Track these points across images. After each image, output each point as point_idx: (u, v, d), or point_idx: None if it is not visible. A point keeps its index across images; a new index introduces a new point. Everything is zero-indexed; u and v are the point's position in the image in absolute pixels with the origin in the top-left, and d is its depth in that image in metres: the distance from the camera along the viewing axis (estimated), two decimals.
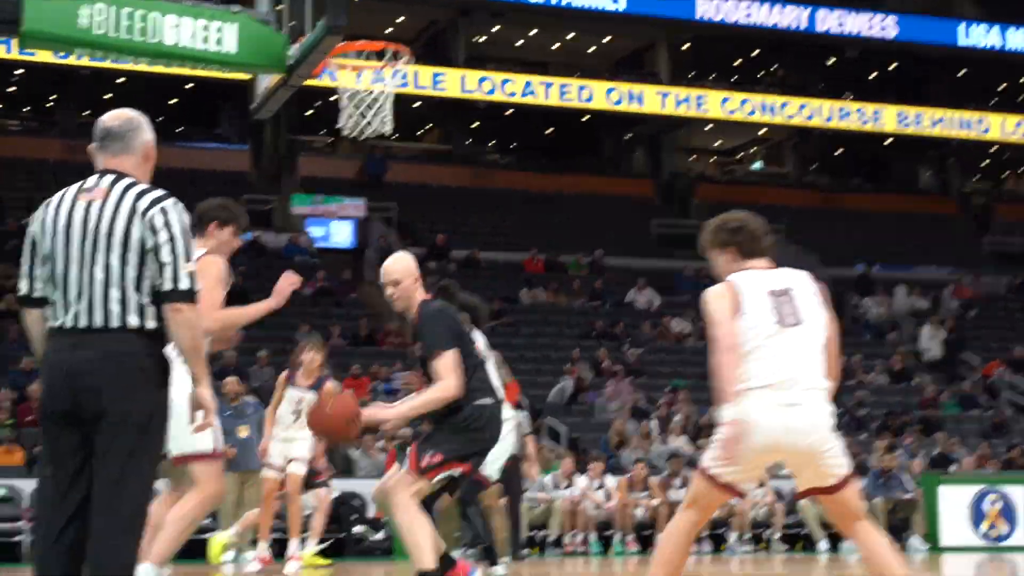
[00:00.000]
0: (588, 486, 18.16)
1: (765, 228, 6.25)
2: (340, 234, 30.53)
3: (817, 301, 5.94)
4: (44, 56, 25.68)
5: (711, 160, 41.90)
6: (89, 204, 4.90)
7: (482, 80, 32.37)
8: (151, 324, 4.86)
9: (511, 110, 35.08)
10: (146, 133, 5.13)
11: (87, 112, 34.10)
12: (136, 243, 4.85)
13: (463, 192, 34.08)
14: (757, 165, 42.21)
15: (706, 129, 38.50)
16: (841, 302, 30.31)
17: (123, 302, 4.85)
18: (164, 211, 4.90)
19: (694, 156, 41.40)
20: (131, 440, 4.78)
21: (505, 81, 32.57)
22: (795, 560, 16.86)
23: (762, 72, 39.26)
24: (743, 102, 34.03)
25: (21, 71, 33.24)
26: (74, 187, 5.02)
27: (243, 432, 14.77)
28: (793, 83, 38.25)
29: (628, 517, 18.19)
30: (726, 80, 37.84)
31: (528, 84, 32.66)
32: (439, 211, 32.22)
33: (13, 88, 35.06)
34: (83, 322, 4.83)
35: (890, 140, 37.03)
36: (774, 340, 5.77)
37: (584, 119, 35.95)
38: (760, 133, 39.23)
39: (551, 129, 38.11)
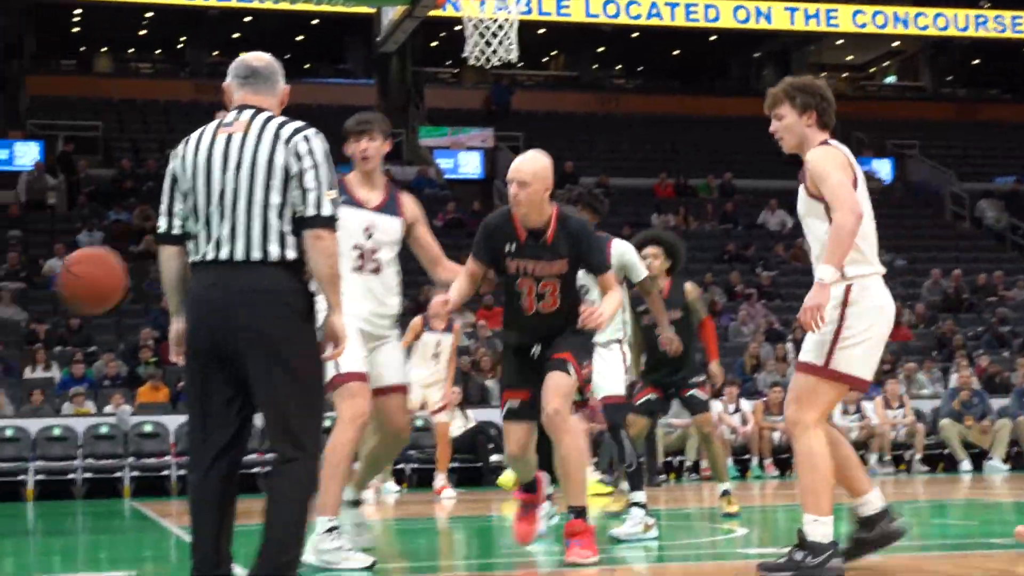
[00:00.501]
0: (723, 410, 18.18)
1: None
2: (468, 165, 30.70)
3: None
4: None
5: (843, 76, 41.22)
6: (230, 137, 4.90)
7: (607, 3, 32.18)
8: (292, 254, 4.81)
9: (636, 33, 34.85)
10: (283, 80, 5.15)
11: (216, 52, 34.68)
12: (280, 170, 4.83)
13: (590, 118, 34.01)
14: (890, 79, 41.48)
15: (837, 44, 37.90)
16: (979, 217, 29.82)
17: (265, 232, 4.81)
18: (307, 139, 4.89)
19: (824, 73, 40.77)
20: (285, 374, 4.76)
21: (630, 3, 32.31)
22: (937, 481, 16.76)
23: None
24: (875, 14, 33.40)
25: (151, 14, 33.83)
26: (213, 123, 5.01)
27: None
28: None
29: (765, 441, 18.22)
30: None
31: (654, 5, 32.38)
32: (566, 138, 32.18)
33: (144, 32, 35.76)
34: (225, 253, 4.81)
35: None
36: (870, 224, 5.75)
37: (711, 39, 35.63)
38: (893, 46, 38.52)
39: (678, 51, 37.81)
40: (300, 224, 4.82)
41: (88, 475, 17.04)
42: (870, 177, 31.95)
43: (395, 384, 6.94)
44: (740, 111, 34.25)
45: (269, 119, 4.94)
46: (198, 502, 4.89)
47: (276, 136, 4.88)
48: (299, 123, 4.96)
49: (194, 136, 5.03)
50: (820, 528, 5.54)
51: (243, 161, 4.86)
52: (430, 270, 7.27)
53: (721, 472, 10.12)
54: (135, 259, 23.42)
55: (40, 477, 16.91)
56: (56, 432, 17.14)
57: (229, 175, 4.86)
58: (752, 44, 36.64)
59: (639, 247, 9.04)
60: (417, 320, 12.96)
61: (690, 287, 9.99)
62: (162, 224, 5.05)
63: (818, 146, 5.81)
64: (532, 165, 6.61)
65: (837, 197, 5.55)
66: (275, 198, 4.82)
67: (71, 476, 17.00)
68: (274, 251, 4.80)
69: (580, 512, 6.63)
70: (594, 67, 37.67)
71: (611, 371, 8.28)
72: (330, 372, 6.52)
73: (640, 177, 29.73)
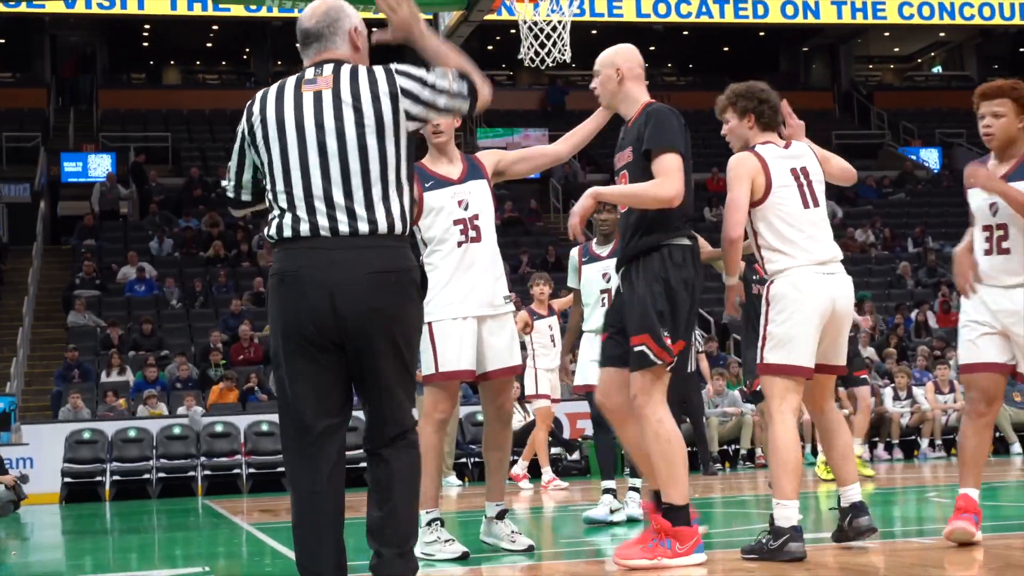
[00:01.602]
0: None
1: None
2: None
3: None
4: (237, 11, 26.80)
5: (890, 67, 41.39)
6: (319, 94, 4.43)
7: (657, 2, 32.62)
8: (400, 227, 4.39)
9: (687, 31, 35.27)
10: (348, 19, 4.63)
11: (279, 62, 35.51)
12: (390, 118, 4.40)
13: None
14: (937, 69, 41.55)
15: (884, 36, 38.10)
16: None
17: (385, 198, 4.38)
18: (399, 71, 4.45)
19: (872, 64, 40.98)
20: (404, 359, 4.42)
21: (680, 2, 32.74)
22: (988, 464, 17.02)
23: None
24: (921, 6, 33.59)
25: (217, 27, 34.65)
26: (291, 80, 4.56)
27: None
28: None
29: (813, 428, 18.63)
30: None
31: (703, 3, 32.79)
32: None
33: (210, 44, 36.59)
34: (344, 227, 4.34)
35: None
36: (789, 223, 6.24)
37: (760, 34, 35.95)
38: (939, 36, 38.65)
39: (727, 47, 38.15)
40: (445, 100, 4.45)
41: (162, 475, 17.65)
42: (919, 166, 32.36)
43: (507, 367, 6.82)
44: (791, 104, 34.41)
45: (355, 69, 4.48)
46: (313, 501, 4.46)
47: (372, 81, 4.43)
48: (380, 66, 4.50)
49: (271, 94, 4.53)
50: (782, 511, 5.91)
51: (344, 118, 4.37)
52: (551, 156, 7.17)
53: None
54: (204, 264, 24.34)
55: (117, 478, 17.54)
56: (132, 434, 17.75)
57: (330, 136, 4.36)
58: (800, 39, 36.92)
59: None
60: (523, 313, 13.32)
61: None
62: (230, 189, 4.64)
63: (742, 151, 6.27)
64: (602, 54, 6.24)
65: (726, 211, 6.19)
66: (390, 157, 4.39)
67: (146, 476, 17.64)
68: (394, 223, 4.37)
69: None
70: (646, 65, 38.07)
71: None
72: (429, 367, 6.63)
73: (693, 172, 30.06)
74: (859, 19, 33.42)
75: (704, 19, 32.96)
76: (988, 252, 6.15)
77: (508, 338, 6.87)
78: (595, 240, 8.86)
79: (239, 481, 17.74)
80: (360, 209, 4.34)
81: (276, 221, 4.42)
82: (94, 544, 10.91)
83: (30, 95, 31.87)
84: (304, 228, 4.35)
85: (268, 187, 4.49)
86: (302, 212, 4.36)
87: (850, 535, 6.31)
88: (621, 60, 6.18)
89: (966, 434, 6.21)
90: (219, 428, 18.01)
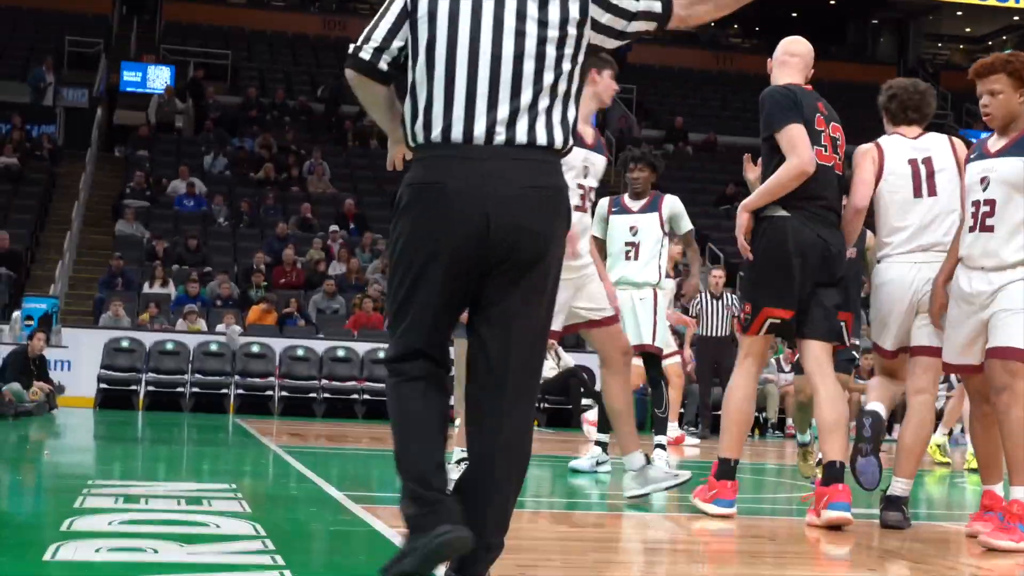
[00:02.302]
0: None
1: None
2: None
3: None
4: None
5: (959, 47, 40.94)
6: None
7: None
8: (560, 142, 3.80)
9: None
10: None
11: None
12: (575, 26, 3.82)
13: (705, 75, 34.31)
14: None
15: (956, 15, 37.68)
16: None
17: (549, 110, 3.80)
18: None
19: (941, 44, 40.57)
20: (544, 300, 3.84)
21: None
22: None
23: None
24: None
25: None
26: None
27: None
28: None
29: (853, 404, 18.60)
30: None
31: None
32: (679, 94, 32.56)
33: None
34: (502, 133, 3.74)
35: None
36: None
37: (831, 3, 35.63)
38: (1013, 20, 38.18)
39: (796, 12, 37.84)
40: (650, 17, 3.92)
41: (196, 390, 17.91)
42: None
43: (608, 315, 7.13)
44: (856, 76, 34.28)
45: None
46: (422, 412, 3.85)
47: None
48: None
49: None
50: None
51: (528, 15, 3.78)
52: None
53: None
54: (255, 185, 24.46)
55: (151, 388, 17.82)
56: (169, 347, 18.00)
57: (508, 36, 3.77)
58: (871, 10, 36.57)
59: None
60: None
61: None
62: (368, 50, 3.90)
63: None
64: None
65: (853, 185, 6.60)
66: (566, 67, 3.81)
67: (180, 389, 17.91)
68: (554, 137, 3.79)
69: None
70: (711, 24, 37.84)
71: (644, 318, 8.90)
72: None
73: (750, 136, 30.00)
74: None
75: None
76: (972, 229, 5.86)
77: (598, 290, 7.14)
78: (627, 194, 9.09)
79: (271, 403, 17.95)
80: (522, 118, 3.75)
81: (420, 119, 3.80)
82: (124, 451, 11.13)
83: (95, 1, 31.95)
84: (456, 132, 3.74)
85: (417, 76, 3.82)
86: (458, 112, 3.75)
87: (881, 524, 6.37)
88: (778, 50, 6.66)
89: (975, 432, 6.16)
90: (255, 349, 18.21)
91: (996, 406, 5.70)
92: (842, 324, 6.36)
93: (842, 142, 6.51)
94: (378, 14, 3.97)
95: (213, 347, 18.13)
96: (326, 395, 18.09)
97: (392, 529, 5.19)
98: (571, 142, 3.83)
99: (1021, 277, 5.73)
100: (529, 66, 3.75)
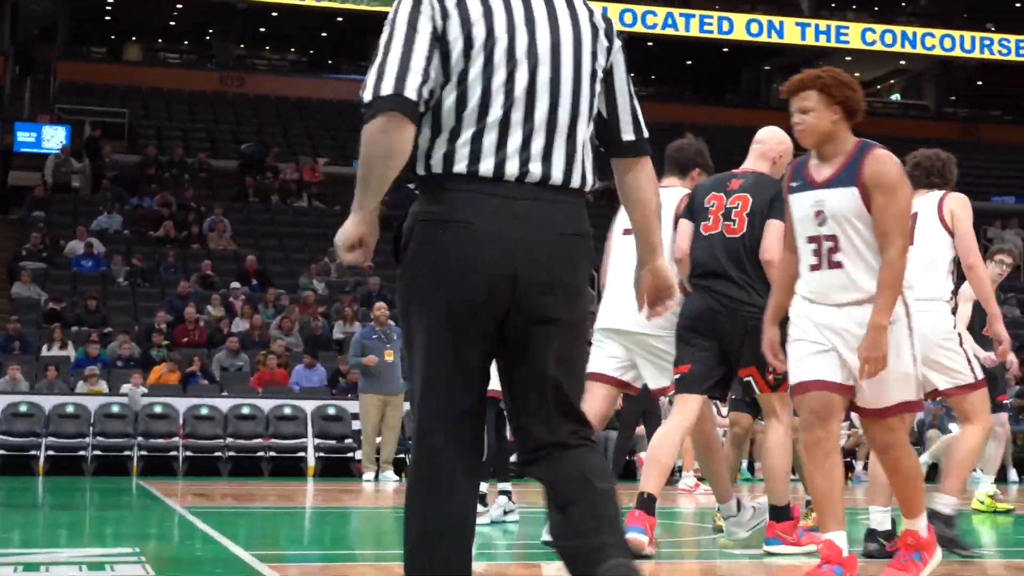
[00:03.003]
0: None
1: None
2: None
3: None
4: None
5: None
6: (528, 3, 3.41)
7: (624, 12, 32.79)
8: (589, 182, 3.41)
9: (651, 42, 35.46)
10: None
11: (242, 45, 35.44)
12: (602, 59, 3.47)
13: None
14: (895, 97, 41.99)
15: (846, 60, 38.46)
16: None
17: (584, 147, 3.41)
18: (611, 22, 3.60)
19: None
20: (581, 343, 3.50)
21: (647, 12, 32.96)
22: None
23: (904, 2, 39.06)
24: (884, 33, 34.02)
25: (181, 6, 34.59)
26: None
27: (389, 356, 15.70)
28: (935, 14, 38.00)
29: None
30: (867, 11, 37.74)
31: (669, 15, 33.04)
32: None
33: (173, 22, 36.46)
34: (538, 172, 3.30)
35: None
36: None
37: (724, 50, 36.20)
38: (900, 64, 39.11)
39: (691, 60, 38.43)
40: (612, 148, 3.51)
41: (97, 452, 17.50)
42: None
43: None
44: (751, 122, 34.69)
45: None
46: (460, 500, 3.38)
47: (589, 12, 3.52)
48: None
49: None
50: None
51: (562, 40, 3.39)
52: None
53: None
54: (153, 244, 24.23)
55: (51, 452, 17.41)
56: (69, 409, 17.59)
57: (566, 60, 3.39)
58: (763, 57, 37.25)
59: None
60: None
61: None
62: (412, 92, 3.24)
63: None
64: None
65: None
66: (592, 101, 3.45)
67: (81, 453, 17.50)
68: (586, 176, 3.40)
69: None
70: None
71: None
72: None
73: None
74: (822, 41, 33.81)
75: (669, 31, 33.23)
76: (816, 267, 5.43)
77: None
78: None
79: (175, 463, 17.67)
80: (559, 154, 3.34)
81: (441, 148, 3.31)
82: (24, 518, 10.86)
83: None
84: (486, 165, 3.28)
85: (445, 105, 3.31)
86: (488, 142, 3.29)
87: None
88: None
89: (811, 473, 5.48)
90: (158, 409, 17.91)
91: (886, 464, 5.57)
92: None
93: (741, 207, 6.90)
94: (397, 43, 3.31)
95: (115, 408, 17.78)
96: (231, 453, 17.88)
97: None
98: (591, 184, 3.42)
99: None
100: (574, 100, 3.38)
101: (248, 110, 32.02)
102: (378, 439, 16.01)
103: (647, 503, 6.58)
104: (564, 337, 3.38)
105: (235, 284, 22.49)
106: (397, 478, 15.88)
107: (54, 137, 28.19)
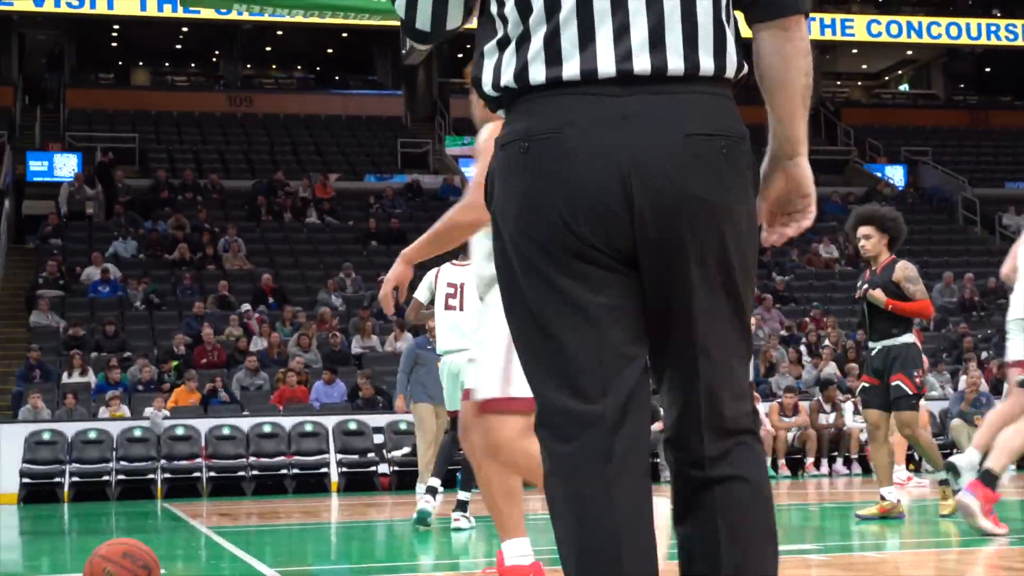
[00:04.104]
0: None
1: None
2: None
3: None
4: (207, 14, 26.82)
5: (857, 84, 41.74)
6: None
7: None
8: (732, 70, 2.52)
9: None
10: None
11: (249, 65, 35.53)
12: None
13: None
14: (904, 87, 41.95)
15: (852, 53, 38.44)
16: (991, 222, 30.35)
17: (718, 26, 2.49)
18: None
19: (840, 81, 41.30)
20: (732, 300, 2.50)
21: None
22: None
23: None
24: (889, 24, 33.92)
25: (187, 29, 34.68)
26: None
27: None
28: (940, 2, 37.92)
29: (779, 441, 18.81)
30: (872, 3, 37.66)
31: None
32: None
33: (180, 46, 36.57)
34: (644, 64, 2.43)
35: None
36: None
37: None
38: (907, 55, 39.03)
39: None
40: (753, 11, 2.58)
41: (121, 477, 17.61)
42: (885, 184, 32.64)
43: None
44: (754, 119, 34.69)
45: None
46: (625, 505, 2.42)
47: None
48: None
49: None
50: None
51: None
52: None
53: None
54: (169, 267, 24.30)
55: (76, 479, 17.49)
56: (92, 435, 17.67)
57: None
58: None
59: (854, 227, 9.16)
60: None
61: (901, 266, 9.07)
62: (401, 6, 2.61)
63: None
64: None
65: None
66: None
67: (105, 478, 17.59)
68: (725, 63, 2.50)
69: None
70: None
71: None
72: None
73: None
74: (827, 35, 33.70)
75: None
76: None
77: None
78: None
79: (199, 484, 17.72)
80: (674, 36, 2.45)
81: (512, 59, 2.50)
82: (51, 545, 10.90)
83: None
84: (571, 68, 2.44)
85: (506, 8, 2.50)
86: (569, 40, 2.44)
87: None
88: None
89: None
90: (180, 431, 17.96)
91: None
92: None
93: None
94: None
95: (137, 432, 17.84)
96: (255, 472, 17.92)
97: None
98: (739, 71, 2.53)
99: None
100: None
101: (258, 129, 32.11)
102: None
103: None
104: (708, 286, 2.46)
105: (246, 306, 22.56)
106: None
107: (66, 165, 28.28)
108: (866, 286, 9.02)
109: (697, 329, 2.47)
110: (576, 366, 2.45)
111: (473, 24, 2.69)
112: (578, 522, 2.42)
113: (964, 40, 34.41)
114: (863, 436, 18.70)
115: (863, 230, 9.03)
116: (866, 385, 9.19)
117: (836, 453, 18.87)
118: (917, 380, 8.95)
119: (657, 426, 14.26)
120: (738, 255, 2.47)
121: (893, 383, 8.90)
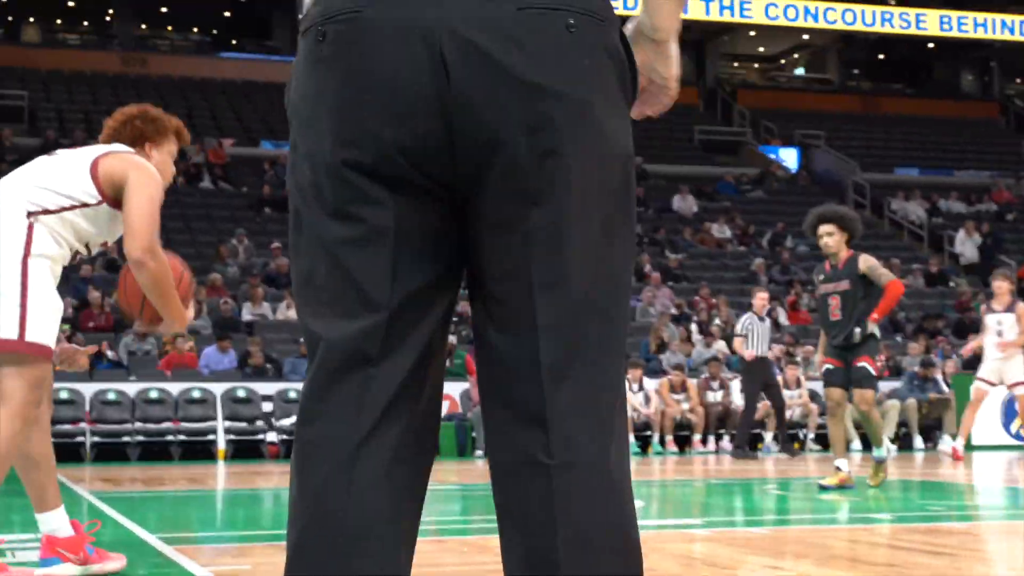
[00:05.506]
0: (628, 390, 18.86)
1: None
2: None
3: None
4: None
5: (754, 67, 42.19)
6: None
7: None
8: None
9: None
10: None
11: (143, 25, 34.94)
12: None
13: None
14: (799, 71, 42.46)
15: (749, 35, 38.80)
16: (880, 206, 30.89)
17: None
18: None
19: (737, 63, 41.71)
20: (590, 226, 1.89)
21: None
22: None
23: None
24: (787, 7, 34.23)
25: None
26: None
27: None
28: None
29: (667, 419, 18.97)
30: None
31: None
32: None
33: (72, 2, 35.88)
34: None
35: (932, 44, 37.27)
36: None
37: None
38: (803, 39, 39.51)
39: None
40: None
41: None
42: (778, 166, 33.06)
43: None
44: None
45: None
46: (342, 485, 1.90)
47: None
48: None
49: None
50: None
51: None
52: None
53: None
54: None
55: None
56: None
57: None
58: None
59: (815, 225, 10.09)
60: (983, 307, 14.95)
61: (863, 259, 9.99)
62: None
63: None
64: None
65: None
66: None
67: None
68: None
69: None
70: None
71: None
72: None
73: None
74: (726, 16, 33.92)
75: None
76: None
77: None
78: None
79: (82, 449, 17.47)
80: None
81: None
82: None
83: None
84: None
85: None
86: None
87: None
88: None
89: None
90: (64, 395, 17.65)
91: None
92: None
93: None
94: None
95: None
96: (140, 438, 17.69)
97: (205, 569, 5.08)
98: None
99: None
100: None
101: (151, 91, 31.58)
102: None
103: None
104: (557, 208, 1.86)
105: None
106: None
107: None
108: (836, 294, 9.99)
109: (540, 267, 1.87)
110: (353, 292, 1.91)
111: None
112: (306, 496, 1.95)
113: (859, 27, 34.85)
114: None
115: (824, 228, 9.95)
116: (830, 367, 10.05)
117: (723, 431, 19.14)
118: (879, 363, 10.16)
119: None
120: (599, 167, 1.89)
121: (858, 364, 9.85)
